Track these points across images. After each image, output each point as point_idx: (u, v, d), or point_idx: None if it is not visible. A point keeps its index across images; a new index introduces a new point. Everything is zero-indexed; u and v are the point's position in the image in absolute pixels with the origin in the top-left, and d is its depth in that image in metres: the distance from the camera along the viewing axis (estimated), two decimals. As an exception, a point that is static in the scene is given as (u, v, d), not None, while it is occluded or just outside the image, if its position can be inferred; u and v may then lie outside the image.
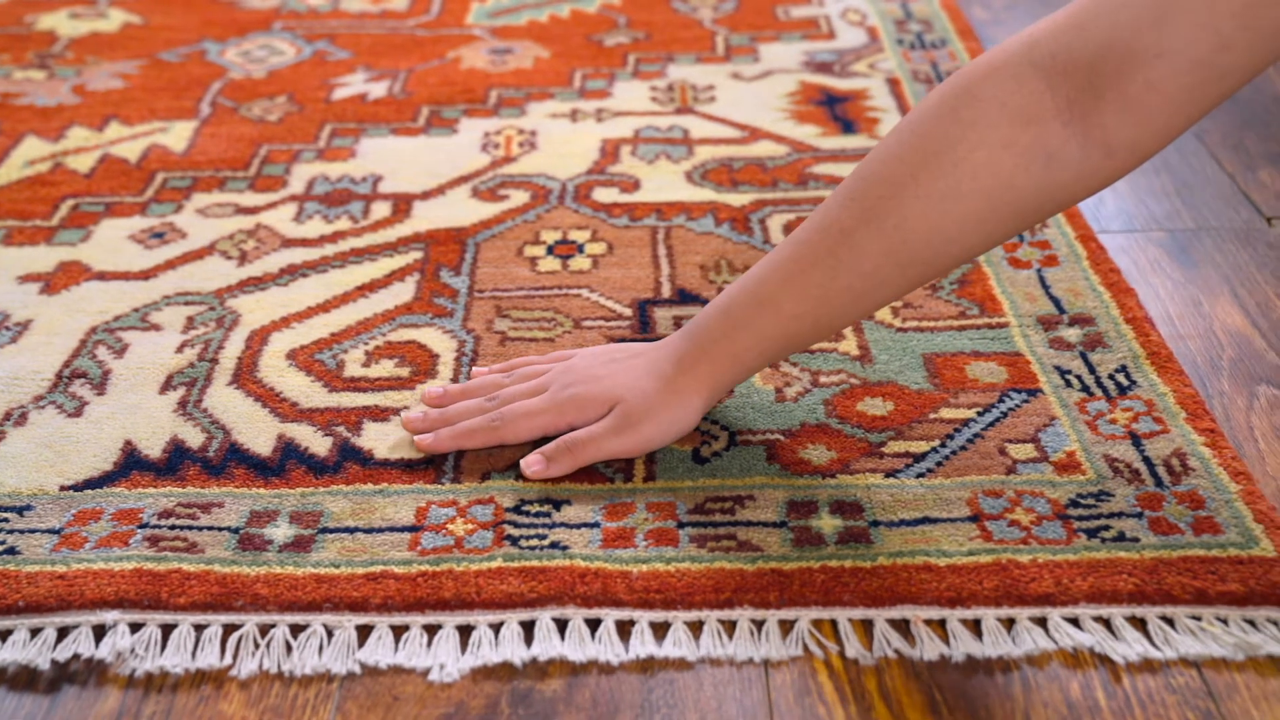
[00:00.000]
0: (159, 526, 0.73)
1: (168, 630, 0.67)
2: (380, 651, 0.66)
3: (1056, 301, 0.92)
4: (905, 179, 0.69)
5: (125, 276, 0.98)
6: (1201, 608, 0.67)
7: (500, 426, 0.78)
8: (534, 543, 0.72)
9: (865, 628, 0.67)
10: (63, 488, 0.77)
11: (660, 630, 0.68)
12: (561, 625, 0.68)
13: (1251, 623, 0.66)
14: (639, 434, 0.76)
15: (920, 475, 0.76)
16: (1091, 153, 0.65)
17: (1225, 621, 0.66)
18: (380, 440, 0.80)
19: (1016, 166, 0.67)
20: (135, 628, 0.68)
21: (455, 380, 0.86)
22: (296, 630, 0.68)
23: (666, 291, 0.95)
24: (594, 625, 0.68)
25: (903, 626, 0.67)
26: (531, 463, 0.76)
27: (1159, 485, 0.74)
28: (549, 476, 0.76)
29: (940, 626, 0.67)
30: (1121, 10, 0.63)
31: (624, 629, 0.68)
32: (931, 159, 0.68)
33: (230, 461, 0.79)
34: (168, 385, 0.86)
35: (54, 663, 0.66)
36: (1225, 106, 1.21)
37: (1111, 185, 0.69)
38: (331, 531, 0.73)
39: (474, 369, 0.86)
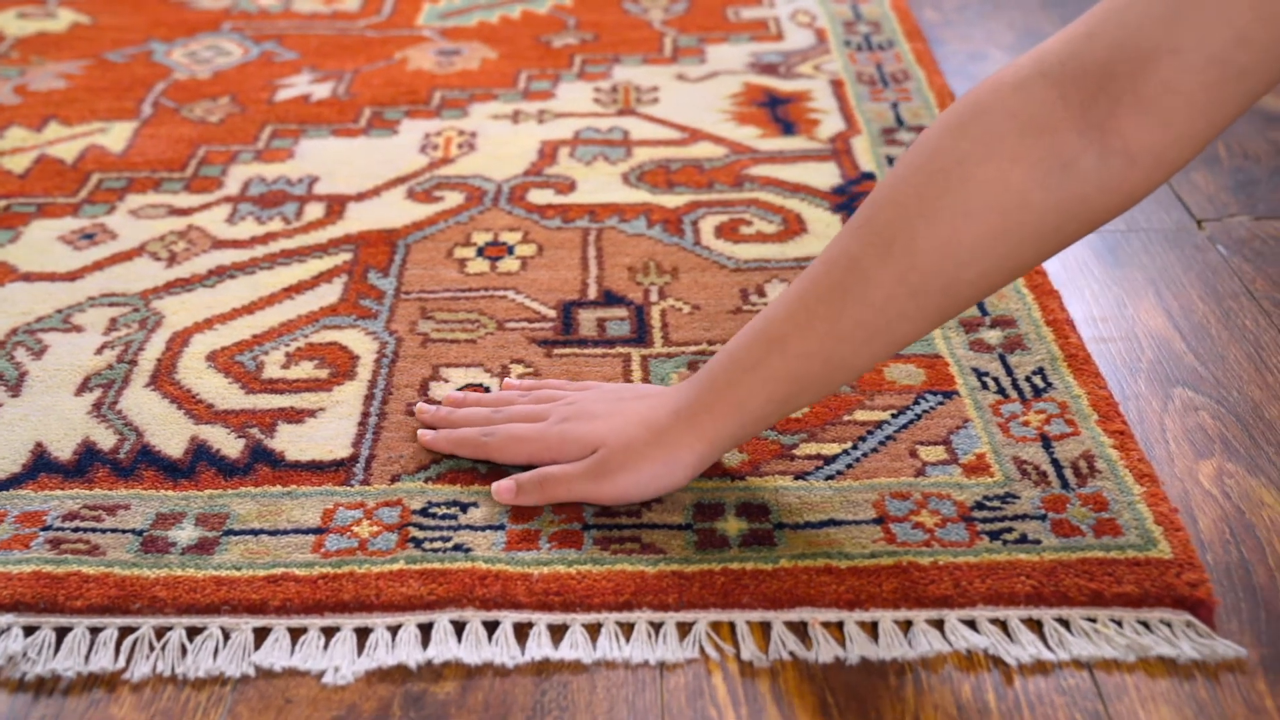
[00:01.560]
0: (62, 529, 0.73)
1: (63, 633, 0.67)
2: (276, 654, 0.66)
3: (981, 306, 0.92)
4: (911, 199, 0.66)
5: (51, 278, 0.98)
6: (1097, 609, 0.67)
7: (489, 443, 0.77)
8: (437, 545, 0.72)
9: (763, 630, 0.67)
10: (-29, 490, 0.77)
11: (558, 633, 0.68)
12: (459, 627, 0.68)
13: (1145, 624, 0.66)
14: (613, 484, 0.73)
15: (829, 478, 0.76)
16: (1111, 161, 0.62)
17: (1120, 623, 0.67)
18: (293, 442, 0.80)
19: (1029, 180, 0.63)
20: (30, 631, 0.67)
21: (373, 382, 0.86)
22: (194, 633, 0.68)
23: (593, 293, 0.95)
24: (493, 627, 0.68)
25: (800, 629, 0.67)
26: (502, 489, 0.75)
27: (1065, 487, 0.75)
28: (517, 504, 0.74)
29: (838, 629, 0.67)
30: (1130, 10, 0.60)
31: (522, 631, 0.68)
32: (938, 176, 0.65)
33: (140, 463, 0.79)
34: (84, 387, 0.85)
35: (-51, 666, 0.66)
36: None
37: (1141, 201, 0.64)
38: (236, 534, 0.73)
39: (505, 381, 0.85)
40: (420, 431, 0.80)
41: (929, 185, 0.65)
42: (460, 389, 0.85)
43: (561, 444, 0.75)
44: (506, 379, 0.85)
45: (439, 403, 0.83)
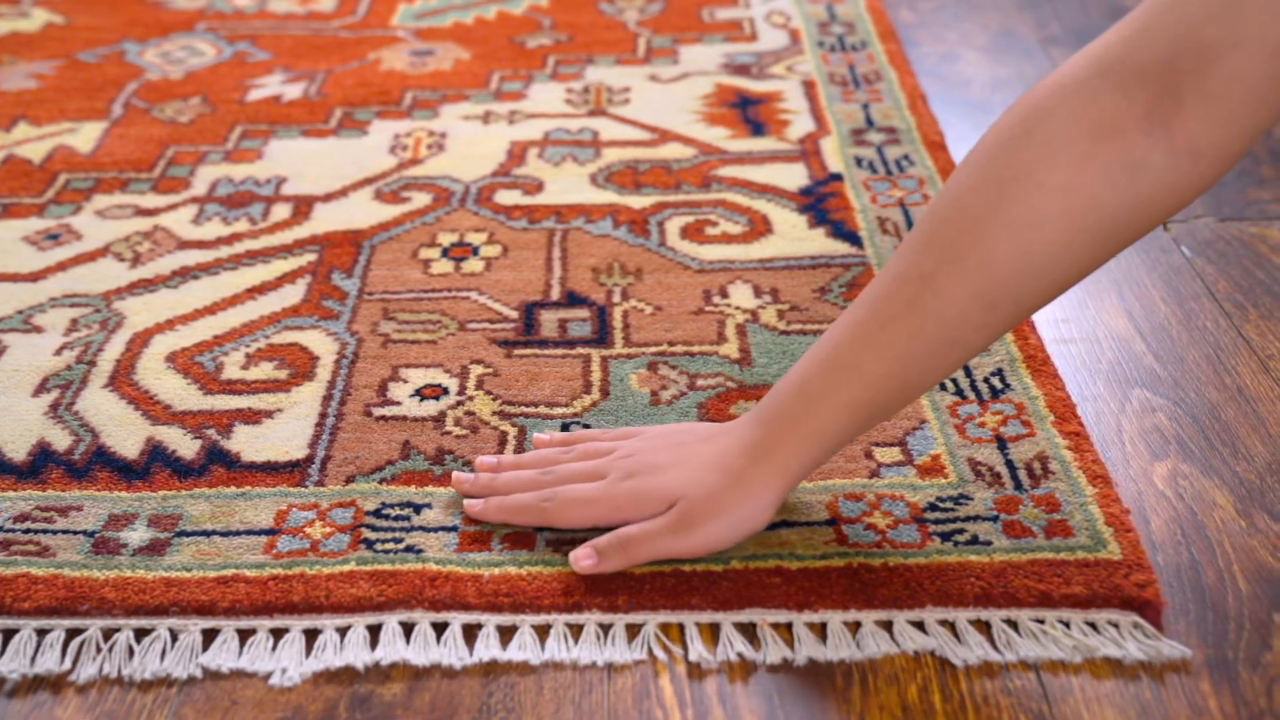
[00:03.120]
0: (13, 530, 0.73)
1: (9, 635, 0.67)
2: (224, 656, 0.66)
3: (942, 304, 0.92)
4: (984, 212, 0.64)
5: (14, 278, 0.97)
6: (1045, 611, 0.67)
7: (550, 509, 0.73)
8: (389, 546, 0.72)
9: (712, 632, 0.67)
10: (-75, 491, 0.77)
11: (507, 634, 0.68)
12: (408, 629, 0.68)
13: (1093, 625, 0.66)
14: (700, 535, 0.70)
15: (785, 478, 0.77)
16: (1179, 159, 0.61)
17: (1067, 624, 0.67)
18: (249, 443, 0.80)
19: (1100, 183, 0.62)
20: (-23, 632, 0.68)
21: (332, 383, 0.86)
22: (142, 634, 0.68)
23: (555, 294, 0.95)
24: (442, 629, 0.68)
25: (749, 630, 0.67)
26: (581, 557, 0.70)
27: (1018, 489, 0.75)
28: (598, 572, 0.70)
29: (787, 630, 0.67)
30: (1188, 5, 0.59)
31: (471, 633, 0.68)
32: (1010, 185, 0.63)
33: (95, 465, 0.78)
34: (42, 388, 0.85)
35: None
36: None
37: (1202, 194, 0.64)
38: (188, 535, 0.73)
39: (535, 436, 0.79)
40: (467, 503, 0.74)
41: (1001, 196, 0.64)
42: (493, 459, 0.78)
43: (634, 502, 0.71)
44: (537, 435, 0.79)
45: (471, 465, 0.79)
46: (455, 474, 0.76)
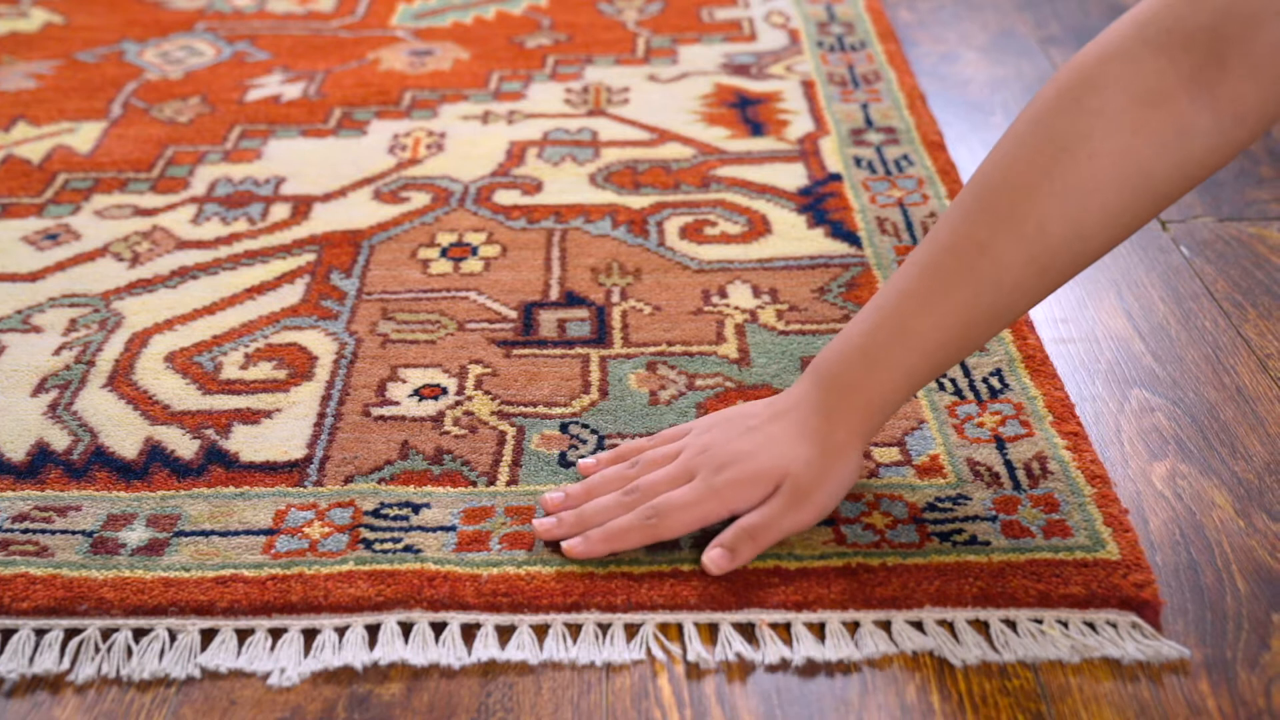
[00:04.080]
0: (11, 530, 0.73)
1: (8, 635, 0.67)
2: (222, 655, 0.66)
3: (941, 304, 0.92)
4: (1038, 180, 0.66)
5: (13, 279, 0.97)
6: (1044, 610, 0.67)
7: (658, 522, 0.71)
8: (387, 546, 0.72)
9: (711, 631, 0.67)
10: (-76, 491, 0.77)
11: (505, 634, 0.68)
12: (407, 629, 0.68)
13: (1091, 625, 0.66)
14: (814, 504, 0.71)
15: (783, 478, 0.77)
16: (1223, 123, 0.64)
17: (1066, 624, 0.67)
18: (248, 443, 0.80)
19: (1151, 149, 0.64)
20: (-24, 632, 0.68)
21: (331, 383, 0.86)
22: (140, 634, 0.68)
23: (554, 294, 0.95)
24: (441, 629, 0.68)
25: (748, 630, 0.67)
26: (716, 559, 0.70)
27: (1017, 489, 0.75)
28: (734, 568, 0.70)
29: (785, 630, 0.67)
30: None
31: (470, 632, 0.68)
32: (1063, 154, 0.66)
33: (93, 465, 0.78)
34: (40, 388, 0.85)
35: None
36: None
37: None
38: (187, 535, 0.73)
39: (581, 462, 0.78)
40: (566, 545, 0.71)
41: (1053, 164, 0.66)
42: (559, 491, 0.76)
43: (738, 493, 0.71)
44: (582, 461, 0.78)
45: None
46: (536, 523, 0.73)
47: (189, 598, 0.69)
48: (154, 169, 1.13)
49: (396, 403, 0.84)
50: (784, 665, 0.65)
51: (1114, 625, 0.66)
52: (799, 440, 0.72)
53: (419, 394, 0.84)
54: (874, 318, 0.72)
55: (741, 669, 0.65)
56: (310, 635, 0.67)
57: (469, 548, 0.72)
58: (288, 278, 0.97)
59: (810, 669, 0.65)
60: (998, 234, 0.67)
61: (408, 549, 0.72)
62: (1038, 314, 0.92)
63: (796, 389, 0.74)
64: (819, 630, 0.67)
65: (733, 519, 0.71)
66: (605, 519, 0.73)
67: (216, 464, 0.78)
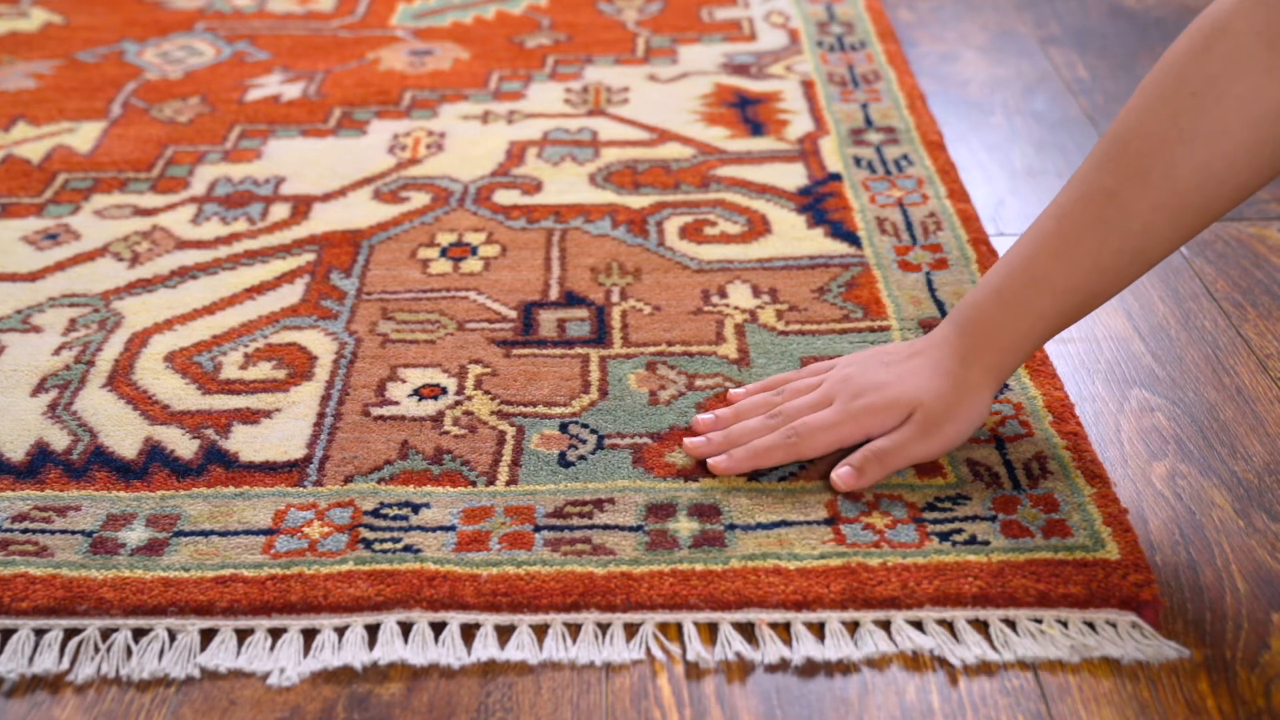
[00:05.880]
0: (11, 530, 0.73)
1: (8, 635, 0.67)
2: (222, 655, 0.66)
3: (940, 305, 0.92)
4: (1164, 127, 0.68)
5: (12, 278, 0.97)
6: (1044, 610, 0.67)
7: (798, 441, 0.76)
8: (387, 546, 0.72)
9: (710, 631, 0.67)
10: (-77, 491, 0.77)
11: (505, 634, 0.68)
12: (406, 629, 0.68)
13: (1091, 625, 0.66)
14: (942, 435, 0.75)
15: (783, 478, 0.76)
16: None
17: (1065, 624, 0.67)
18: (248, 443, 0.80)
19: (1279, 91, 0.65)
20: (-25, 632, 0.68)
21: (330, 382, 0.86)
22: (140, 634, 0.68)
23: (554, 294, 0.95)
24: (440, 628, 0.68)
25: (747, 630, 0.67)
26: (844, 476, 0.75)
27: (1016, 488, 0.75)
28: (860, 487, 0.75)
29: (785, 630, 0.67)
30: None
31: (470, 632, 0.68)
32: (1191, 100, 0.67)
33: (93, 464, 0.78)
34: (40, 388, 0.85)
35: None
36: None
37: None
38: (186, 534, 0.73)
39: (731, 391, 0.83)
40: (712, 462, 0.77)
41: (1182, 110, 0.67)
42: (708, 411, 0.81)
43: (873, 418, 0.76)
44: (732, 391, 0.83)
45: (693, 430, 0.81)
46: (687, 441, 0.79)
47: (188, 598, 0.69)
48: (154, 169, 1.13)
49: (396, 402, 0.84)
50: (784, 665, 0.65)
51: (1113, 625, 0.66)
52: (933, 375, 0.76)
53: (419, 394, 0.84)
54: (1008, 264, 0.75)
55: (741, 669, 0.65)
56: (310, 635, 0.68)
57: (469, 548, 0.72)
58: (287, 277, 0.97)
59: (810, 669, 0.65)
60: (1125, 181, 0.69)
61: (407, 549, 0.72)
62: (1037, 314, 0.92)
63: (936, 332, 0.78)
64: (819, 630, 0.67)
65: (866, 443, 0.76)
66: (750, 439, 0.78)
67: (216, 464, 0.78)
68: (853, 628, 0.67)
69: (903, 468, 0.76)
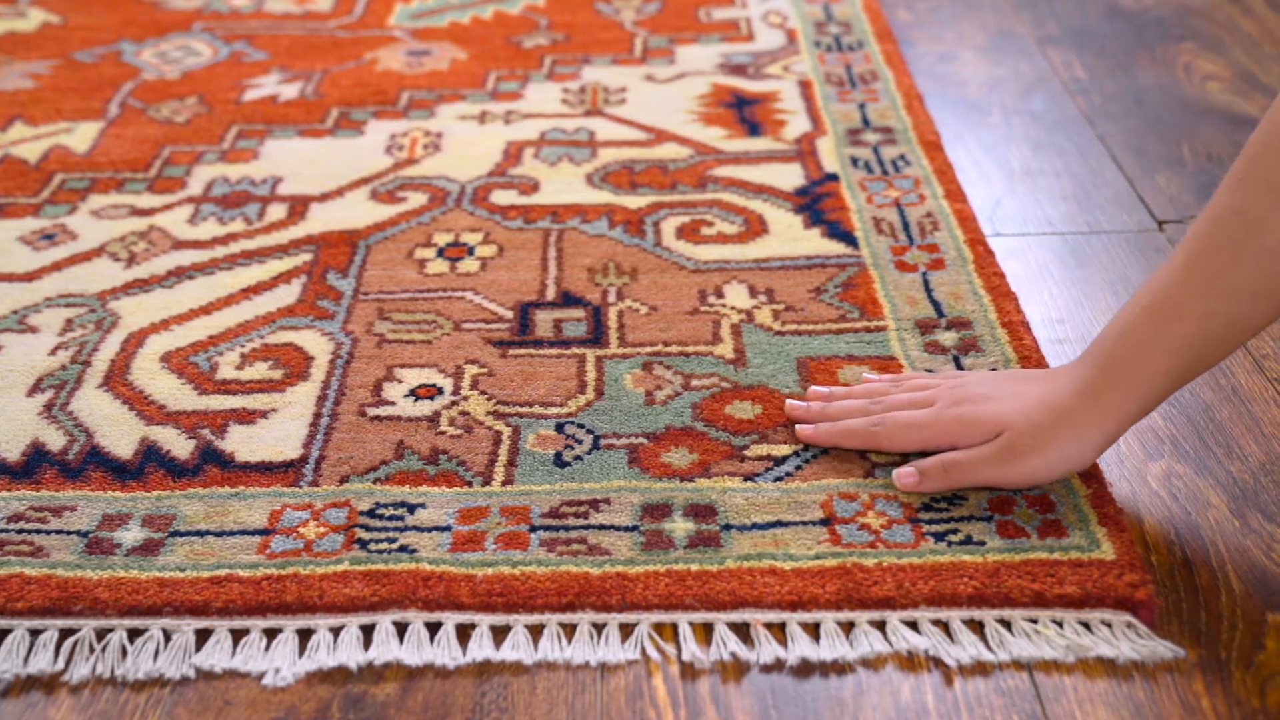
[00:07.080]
0: (6, 530, 0.73)
1: (3, 635, 0.67)
2: (217, 656, 0.66)
3: (937, 305, 0.92)
4: None
5: (9, 278, 0.97)
6: (1039, 610, 0.67)
7: (879, 433, 0.76)
8: (383, 546, 0.72)
9: (706, 631, 0.67)
10: (-81, 491, 0.77)
11: (500, 634, 0.68)
12: (402, 629, 0.68)
13: (1086, 625, 0.66)
14: (1022, 466, 0.72)
15: (779, 479, 0.76)
16: None
17: (1060, 624, 0.67)
18: (244, 443, 0.80)
19: None
20: (-29, 632, 0.68)
21: (326, 383, 0.86)
22: (135, 635, 0.68)
23: (551, 294, 0.95)
24: (436, 629, 0.68)
25: (743, 630, 0.67)
26: (904, 475, 0.74)
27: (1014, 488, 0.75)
28: (920, 491, 0.74)
29: (780, 630, 0.67)
30: None
31: (465, 632, 0.68)
32: None
33: (89, 465, 0.78)
34: (36, 388, 0.85)
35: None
36: (1131, 109, 1.22)
37: None
38: (182, 535, 0.73)
39: (864, 376, 0.83)
40: (799, 429, 0.79)
41: None
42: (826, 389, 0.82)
43: (960, 428, 0.74)
44: (865, 374, 0.83)
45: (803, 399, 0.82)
46: (789, 402, 0.80)
47: (184, 598, 0.69)
48: (151, 169, 1.13)
49: (392, 403, 0.84)
50: (779, 665, 0.65)
51: (1109, 625, 0.66)
52: (1039, 405, 0.72)
53: (415, 394, 0.84)
54: (1136, 299, 0.71)
55: (736, 669, 0.65)
56: (305, 635, 0.68)
57: (464, 548, 0.72)
58: (284, 278, 0.97)
59: (805, 669, 0.65)
60: (1258, 199, 0.66)
61: (403, 549, 0.72)
62: (1033, 314, 0.92)
63: (1069, 365, 0.75)
64: (814, 630, 0.67)
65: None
66: (844, 417, 0.78)
67: (212, 464, 0.78)
68: (848, 628, 0.67)
69: (971, 486, 0.73)
